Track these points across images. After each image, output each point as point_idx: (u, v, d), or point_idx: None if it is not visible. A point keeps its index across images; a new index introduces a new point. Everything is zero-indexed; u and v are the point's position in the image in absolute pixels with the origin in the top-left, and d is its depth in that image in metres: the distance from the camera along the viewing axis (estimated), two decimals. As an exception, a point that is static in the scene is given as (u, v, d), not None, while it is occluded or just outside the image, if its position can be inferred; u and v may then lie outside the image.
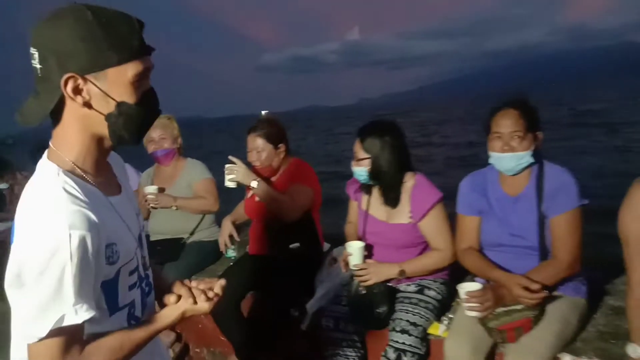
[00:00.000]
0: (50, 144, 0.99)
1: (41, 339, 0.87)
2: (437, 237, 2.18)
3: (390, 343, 2.01)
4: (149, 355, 1.14)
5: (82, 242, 0.87)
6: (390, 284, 2.21)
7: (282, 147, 2.56)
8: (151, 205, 3.01)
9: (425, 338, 2.05)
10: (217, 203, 3.10)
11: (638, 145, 14.69)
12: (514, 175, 2.00)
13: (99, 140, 0.99)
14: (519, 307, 1.85)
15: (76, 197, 0.92)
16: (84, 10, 0.89)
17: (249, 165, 2.57)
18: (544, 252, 1.95)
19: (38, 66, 0.90)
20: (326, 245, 2.83)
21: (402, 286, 2.24)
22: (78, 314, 0.88)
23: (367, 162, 2.19)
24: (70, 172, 0.96)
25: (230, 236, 2.79)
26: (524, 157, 1.93)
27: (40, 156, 3.50)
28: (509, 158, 1.93)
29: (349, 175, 2.37)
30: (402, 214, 2.22)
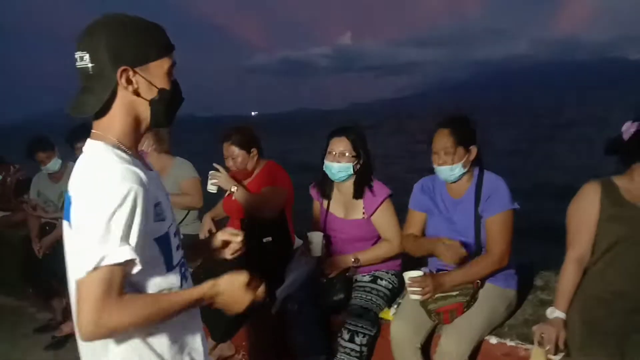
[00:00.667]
0: (93, 130, 1.16)
1: (87, 274, 1.00)
2: (387, 229, 2.51)
3: (346, 325, 2.30)
4: (183, 349, 1.24)
5: (132, 193, 1.03)
6: (348, 274, 2.51)
7: (254, 151, 2.85)
8: None
9: (376, 321, 2.35)
10: (201, 200, 3.38)
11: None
12: (453, 182, 2.31)
13: (139, 122, 1.18)
14: (454, 293, 2.16)
15: (125, 160, 1.10)
16: (124, 17, 1.11)
17: (228, 170, 2.86)
18: (479, 247, 2.26)
19: (89, 65, 1.08)
20: (298, 241, 3.12)
21: (358, 276, 2.54)
22: (119, 254, 1.01)
23: (353, 159, 2.49)
24: (115, 147, 1.14)
25: (210, 230, 3.07)
26: (456, 169, 2.25)
27: (35, 149, 3.70)
28: (443, 170, 2.26)
29: None
30: (357, 210, 2.55)
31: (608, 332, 1.83)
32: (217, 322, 2.77)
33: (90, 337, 1.03)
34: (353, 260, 2.49)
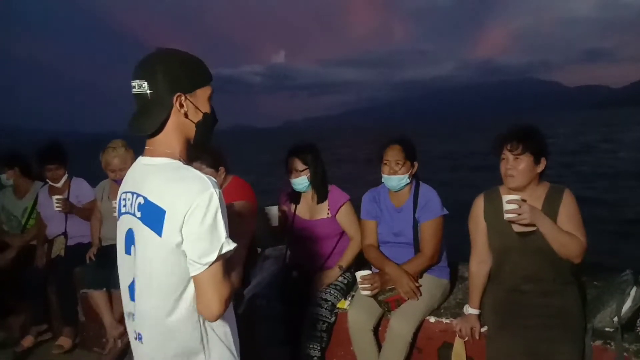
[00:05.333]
0: (151, 145, 1.32)
1: (209, 265, 1.19)
2: (350, 227, 2.92)
3: (308, 315, 2.67)
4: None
5: (220, 196, 1.23)
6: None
7: (222, 169, 3.15)
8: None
9: (334, 311, 2.74)
10: None
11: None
12: (397, 191, 2.77)
13: (187, 142, 1.35)
14: (398, 285, 2.60)
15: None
16: (175, 50, 1.30)
17: None
18: (417, 247, 2.72)
19: (148, 91, 1.25)
20: (259, 250, 3.44)
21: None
22: (229, 244, 1.22)
23: (306, 172, 2.87)
24: (181, 162, 1.31)
25: None
26: (403, 179, 2.70)
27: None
28: (393, 179, 2.70)
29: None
30: (322, 212, 2.94)
31: (513, 318, 2.19)
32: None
33: (221, 315, 1.24)
34: (339, 269, 2.88)
